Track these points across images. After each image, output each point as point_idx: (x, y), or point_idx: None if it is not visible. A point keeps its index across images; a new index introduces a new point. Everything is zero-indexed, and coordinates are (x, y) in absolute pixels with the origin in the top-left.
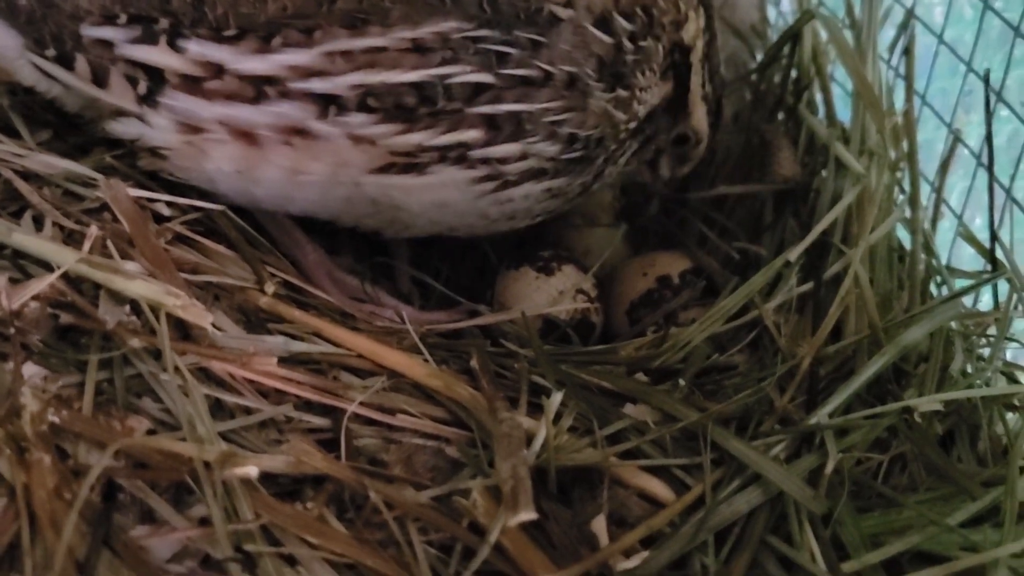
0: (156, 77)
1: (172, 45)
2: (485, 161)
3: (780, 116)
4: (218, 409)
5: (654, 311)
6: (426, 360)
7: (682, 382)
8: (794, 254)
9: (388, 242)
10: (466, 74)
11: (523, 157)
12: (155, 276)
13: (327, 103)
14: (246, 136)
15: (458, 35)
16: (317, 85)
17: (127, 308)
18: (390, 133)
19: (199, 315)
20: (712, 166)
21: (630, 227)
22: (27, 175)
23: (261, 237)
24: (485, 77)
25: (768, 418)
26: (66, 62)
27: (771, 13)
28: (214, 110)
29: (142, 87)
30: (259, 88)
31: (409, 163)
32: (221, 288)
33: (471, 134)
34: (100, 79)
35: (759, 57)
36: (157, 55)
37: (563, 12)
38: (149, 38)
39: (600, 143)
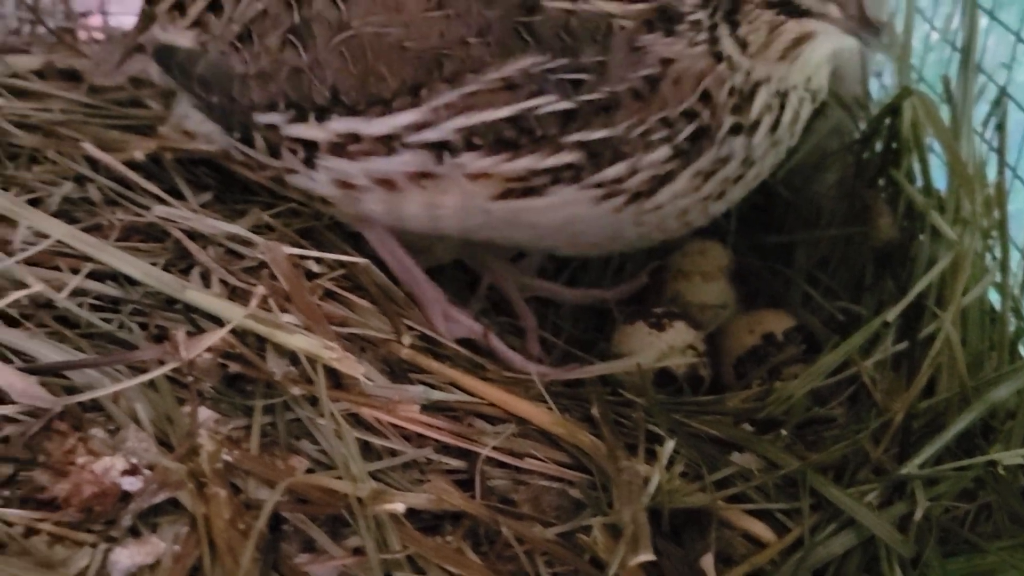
0: (312, 147)
1: (320, 122)
2: (600, 184)
3: (881, 183)
4: (367, 451)
5: (759, 366)
6: (551, 409)
7: (784, 433)
8: (891, 315)
9: (514, 304)
10: (551, 104)
11: (634, 172)
12: (311, 329)
13: (441, 148)
14: (386, 183)
15: (537, 68)
16: (429, 135)
17: (287, 359)
18: (499, 163)
19: (352, 366)
20: (816, 229)
21: (739, 286)
22: (193, 235)
23: (398, 289)
24: (567, 104)
25: (863, 467)
26: (248, 142)
27: (874, 86)
28: (358, 166)
29: (303, 155)
30: (388, 144)
31: (526, 187)
32: (366, 340)
33: (573, 156)
34: (274, 151)
35: (862, 127)
36: (309, 131)
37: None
38: (303, 119)
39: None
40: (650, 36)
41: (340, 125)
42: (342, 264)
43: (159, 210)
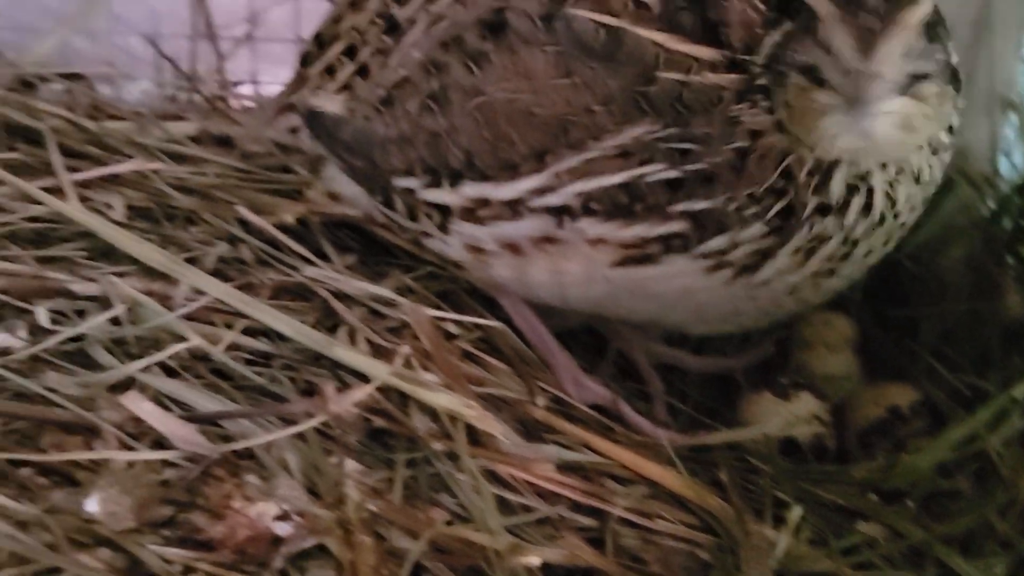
0: (445, 211)
1: (453, 187)
2: (707, 254)
3: (1009, 261)
4: (503, 506)
5: (884, 438)
6: (680, 472)
7: (910, 504)
8: (1019, 392)
9: (642, 370)
10: (660, 172)
11: (735, 246)
12: (450, 388)
13: (562, 213)
14: (513, 247)
15: (649, 136)
16: (551, 200)
17: (429, 416)
18: (614, 229)
19: (491, 425)
20: (943, 304)
21: (865, 358)
22: (339, 295)
23: (532, 353)
24: (674, 173)
25: (989, 541)
26: (389, 205)
27: (1003, 164)
28: (487, 231)
29: (437, 219)
30: (514, 208)
31: (641, 254)
32: (501, 400)
33: (680, 226)
34: (412, 215)
35: (990, 204)
36: (444, 196)
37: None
38: (437, 184)
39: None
40: (740, 106)
41: (471, 190)
42: (479, 327)
43: (308, 271)
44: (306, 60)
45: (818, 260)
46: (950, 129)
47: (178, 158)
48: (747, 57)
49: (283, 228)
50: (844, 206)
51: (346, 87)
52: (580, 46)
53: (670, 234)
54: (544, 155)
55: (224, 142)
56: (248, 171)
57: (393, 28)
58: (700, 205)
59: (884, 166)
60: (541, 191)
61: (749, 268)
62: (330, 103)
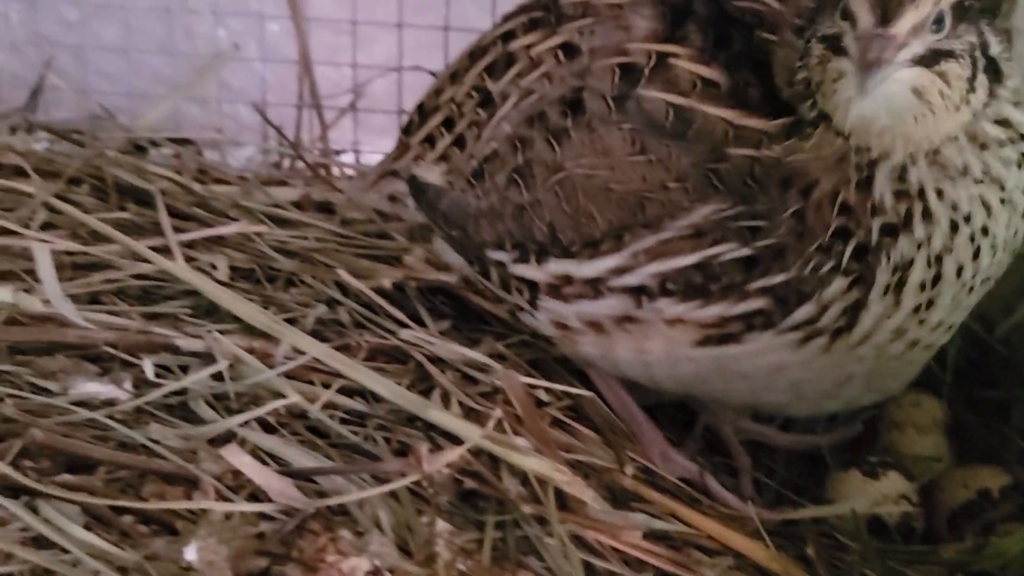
0: (534, 287)
1: (539, 263)
2: (795, 326)
3: None
4: (590, 571)
5: (974, 521)
6: (767, 545)
7: None
8: None
9: (730, 445)
10: (732, 251)
11: (824, 309)
12: (541, 452)
13: (639, 293)
14: (596, 326)
15: (720, 215)
16: (629, 280)
17: (519, 479)
18: (692, 309)
19: (581, 490)
20: None
21: (954, 440)
22: (433, 359)
23: (621, 423)
24: (747, 252)
25: None
26: (485, 275)
27: None
28: (571, 308)
29: (527, 294)
30: (595, 287)
31: (722, 334)
32: (590, 467)
33: (760, 303)
34: (506, 286)
35: None
36: (531, 271)
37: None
38: (525, 259)
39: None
40: (788, 143)
41: (556, 267)
42: (569, 395)
43: (405, 334)
44: (408, 129)
45: (911, 292)
46: (1005, 123)
47: (281, 222)
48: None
49: (380, 292)
50: (907, 220)
51: (444, 157)
52: (651, 125)
53: (751, 312)
54: (623, 234)
55: (325, 208)
56: (348, 236)
57: (487, 101)
58: (777, 279)
59: (914, 158)
60: (620, 271)
61: (844, 328)
62: (430, 173)
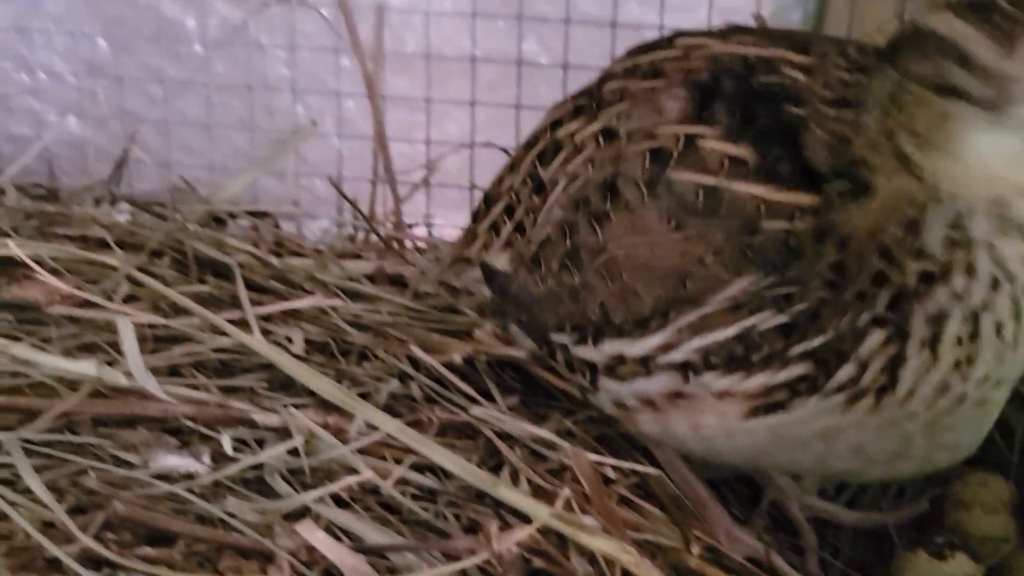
0: (593, 368)
1: (595, 345)
2: (839, 388)
3: None
4: None
5: None
6: None
7: None
8: None
9: (796, 522)
10: (769, 320)
11: (864, 366)
12: (608, 532)
13: (686, 369)
14: (651, 404)
15: (755, 287)
16: (675, 356)
17: (586, 558)
18: (737, 382)
19: (648, 571)
20: None
21: (1022, 521)
22: (503, 435)
23: (687, 501)
24: (783, 319)
25: None
26: (553, 357)
27: None
28: (626, 387)
29: (588, 375)
30: (646, 365)
31: (770, 403)
32: (656, 546)
33: (802, 368)
34: (571, 367)
35: None
36: (589, 352)
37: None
38: (583, 341)
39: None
40: (827, 216)
41: (610, 347)
42: (635, 472)
43: (475, 411)
44: (476, 217)
45: (949, 347)
46: None
47: (354, 295)
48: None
49: (450, 367)
50: (946, 271)
51: (508, 244)
52: (683, 206)
53: (794, 379)
54: (668, 311)
55: (398, 281)
56: (419, 311)
57: (539, 188)
58: (816, 342)
59: (975, 207)
60: (666, 348)
61: (887, 386)
62: (498, 260)
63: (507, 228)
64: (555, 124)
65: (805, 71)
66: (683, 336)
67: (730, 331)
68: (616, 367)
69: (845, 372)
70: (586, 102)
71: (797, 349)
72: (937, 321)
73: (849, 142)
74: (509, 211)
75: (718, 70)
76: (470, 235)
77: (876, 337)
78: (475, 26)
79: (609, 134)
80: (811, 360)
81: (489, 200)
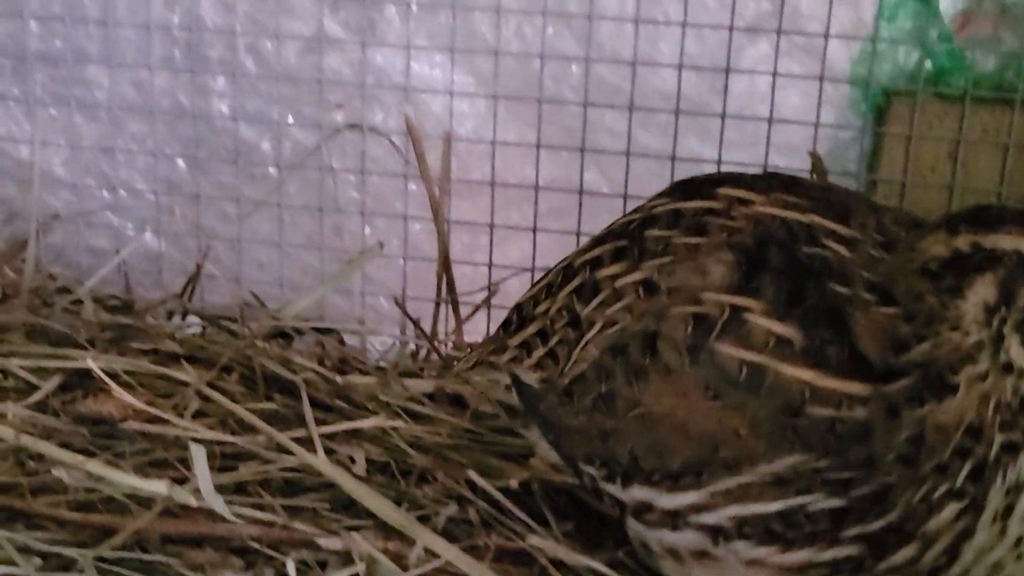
0: (621, 505)
1: (624, 487)
2: (890, 570)
3: None
4: None
5: None
6: None
7: None
8: None
9: None
10: (820, 501)
11: (928, 545)
12: None
13: (716, 533)
14: (675, 554)
15: (805, 467)
16: (706, 519)
17: None
18: (772, 554)
19: None
20: None
21: None
22: (557, 563)
23: None
24: (839, 503)
25: None
26: (580, 479)
27: None
28: (652, 534)
29: (616, 510)
30: (674, 519)
31: None
32: None
33: (852, 550)
34: (599, 497)
35: None
36: (617, 491)
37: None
38: (611, 479)
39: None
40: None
41: (639, 493)
42: None
43: (532, 539)
44: (507, 326)
45: (1018, 520)
46: None
47: (415, 415)
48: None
49: (507, 491)
50: None
51: (540, 367)
52: (725, 378)
53: (840, 559)
54: (701, 472)
55: (457, 400)
56: (477, 433)
57: (575, 323)
58: (877, 525)
59: None
60: (698, 508)
61: (943, 566)
62: (527, 377)
63: (539, 352)
64: (595, 263)
65: (847, 244)
66: (717, 500)
67: (773, 506)
68: (644, 513)
69: (904, 554)
70: (627, 245)
71: (851, 532)
72: (1014, 492)
73: (907, 346)
74: (542, 335)
75: (762, 236)
76: (500, 344)
77: (950, 511)
78: (539, 156)
79: (650, 287)
80: (865, 542)
81: (523, 316)
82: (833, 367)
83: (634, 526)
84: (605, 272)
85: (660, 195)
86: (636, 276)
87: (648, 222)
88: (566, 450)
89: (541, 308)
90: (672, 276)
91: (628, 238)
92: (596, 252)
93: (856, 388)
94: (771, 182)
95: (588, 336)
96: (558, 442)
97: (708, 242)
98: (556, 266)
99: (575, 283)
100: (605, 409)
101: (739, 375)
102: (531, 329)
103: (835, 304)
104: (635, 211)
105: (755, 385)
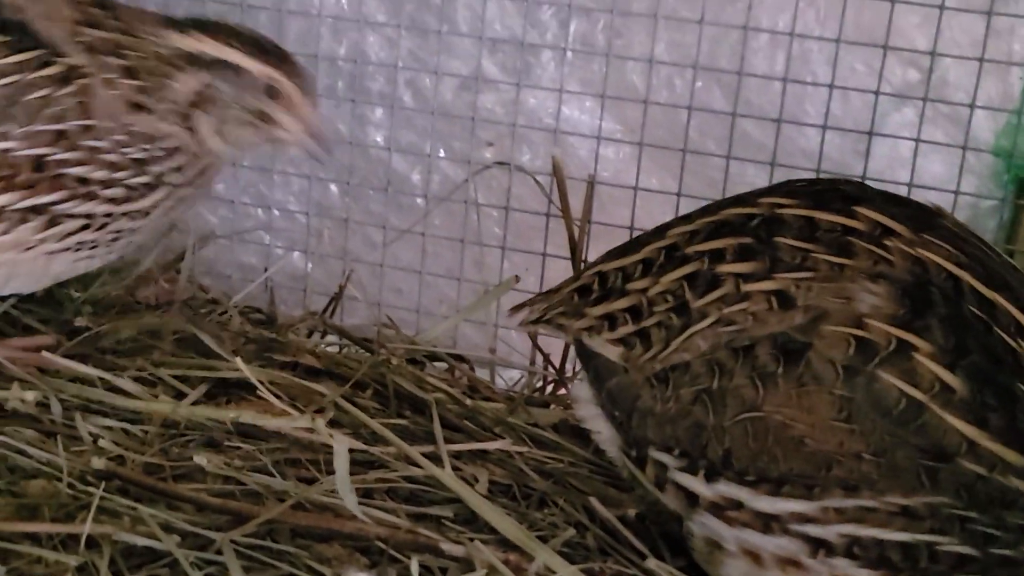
0: (693, 499)
1: (708, 481)
2: None
3: None
4: None
5: None
6: None
7: None
8: None
9: None
10: (953, 545)
11: None
12: None
13: (818, 545)
14: (752, 555)
15: (948, 510)
16: (812, 530)
17: None
18: None
19: None
20: None
21: None
22: None
23: None
24: (971, 551)
25: None
26: (640, 465)
27: None
28: (732, 533)
29: (683, 502)
30: (766, 523)
31: None
32: None
33: None
34: (660, 485)
35: None
36: (695, 484)
37: None
38: (692, 471)
39: None
40: None
41: (726, 489)
42: None
43: (650, 562)
44: (583, 293)
45: None
46: None
47: (539, 442)
48: None
49: (624, 520)
50: None
51: (624, 343)
52: (876, 405)
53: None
54: (813, 486)
55: (581, 433)
56: (598, 464)
57: (682, 310)
58: None
59: None
60: (803, 518)
61: None
62: (604, 349)
63: (626, 328)
64: (715, 255)
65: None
66: (830, 516)
67: (898, 536)
68: (727, 509)
69: None
70: (754, 244)
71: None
72: None
73: None
74: (634, 313)
75: (922, 278)
76: (574, 309)
77: None
78: (679, 204)
79: (784, 299)
80: None
81: (608, 287)
82: (996, 432)
83: (709, 522)
84: (728, 268)
85: (771, 192)
86: (769, 285)
87: (774, 225)
88: (639, 432)
89: (637, 284)
90: (812, 293)
91: (753, 237)
92: (716, 244)
93: (1013, 457)
94: (906, 210)
95: (696, 327)
96: (628, 420)
97: (855, 266)
98: (647, 240)
99: (687, 269)
100: (710, 404)
101: (895, 406)
102: (620, 303)
103: (1006, 379)
104: (739, 203)
105: (908, 420)
